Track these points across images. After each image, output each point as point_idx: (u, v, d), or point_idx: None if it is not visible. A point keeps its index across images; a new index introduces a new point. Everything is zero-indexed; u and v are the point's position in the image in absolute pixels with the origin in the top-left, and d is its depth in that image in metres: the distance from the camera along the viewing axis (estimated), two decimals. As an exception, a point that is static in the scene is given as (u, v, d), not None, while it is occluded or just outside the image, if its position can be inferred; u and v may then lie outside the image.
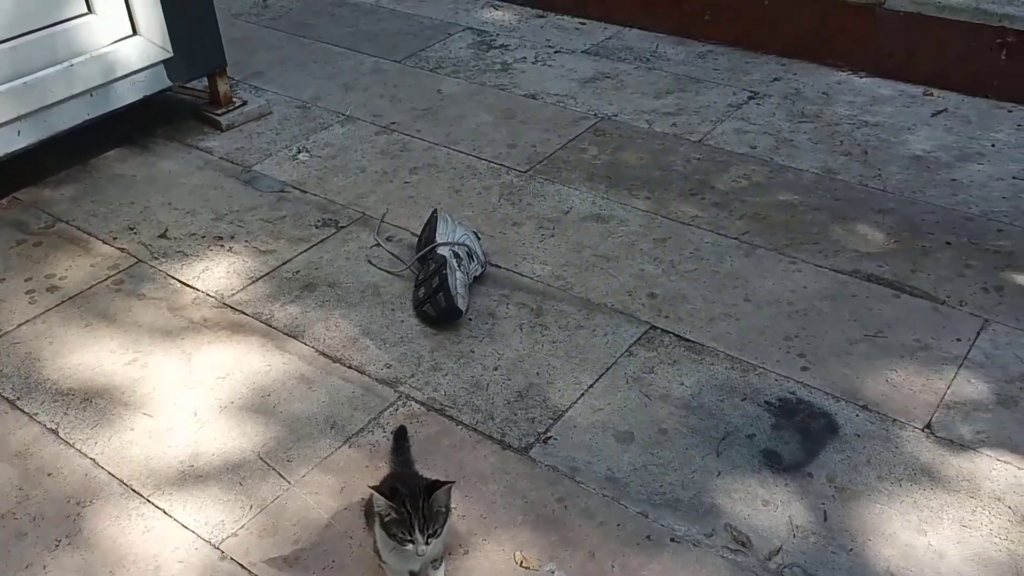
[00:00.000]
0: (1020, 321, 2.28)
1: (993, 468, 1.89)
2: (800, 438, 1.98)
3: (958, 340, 2.23)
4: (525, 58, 3.86)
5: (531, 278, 2.52)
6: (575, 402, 2.09)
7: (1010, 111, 3.26)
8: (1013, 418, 2.00)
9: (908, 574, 1.68)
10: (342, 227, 2.79)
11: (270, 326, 2.39)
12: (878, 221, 2.70)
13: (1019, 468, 1.88)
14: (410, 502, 1.42)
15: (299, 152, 3.23)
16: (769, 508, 1.83)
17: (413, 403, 2.11)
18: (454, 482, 1.51)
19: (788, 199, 2.82)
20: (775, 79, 3.58)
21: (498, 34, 4.11)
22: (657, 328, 2.32)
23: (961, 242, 2.59)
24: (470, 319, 2.37)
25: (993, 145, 3.05)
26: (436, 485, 1.47)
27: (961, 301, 2.36)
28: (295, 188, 3.01)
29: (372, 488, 1.45)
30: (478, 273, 2.48)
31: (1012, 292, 2.38)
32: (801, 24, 3.65)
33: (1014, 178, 2.86)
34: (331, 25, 4.29)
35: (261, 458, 1.98)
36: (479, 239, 2.58)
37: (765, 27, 3.75)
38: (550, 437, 2.00)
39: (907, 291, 2.41)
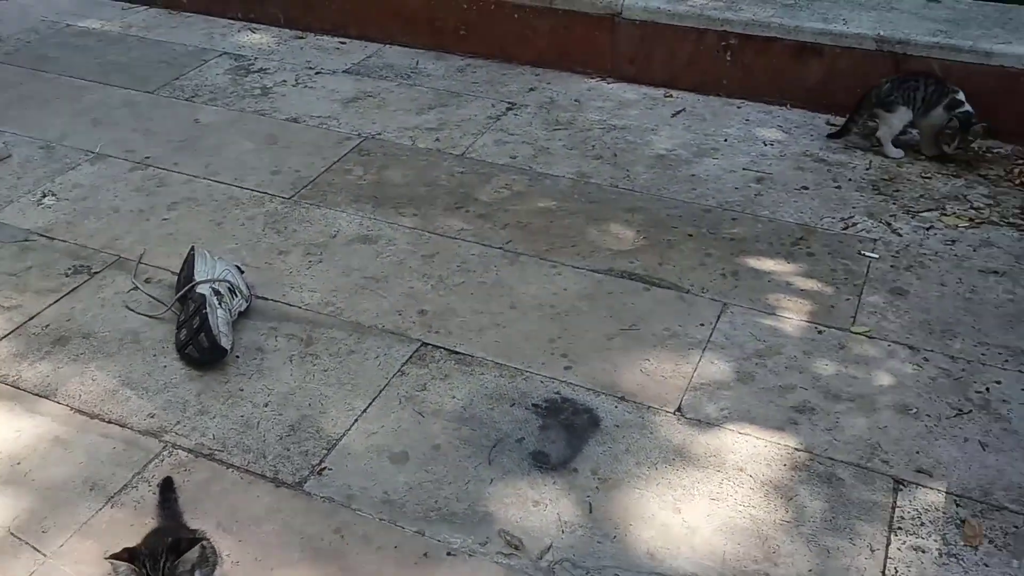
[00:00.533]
0: (753, 302, 2.51)
1: (736, 441, 2.07)
2: (566, 436, 2.09)
3: (702, 325, 2.43)
4: (285, 81, 3.81)
5: (300, 307, 2.50)
6: (349, 429, 2.10)
7: (739, 107, 3.57)
8: (750, 392, 2.20)
9: (666, 552, 1.82)
10: (96, 273, 2.65)
11: (17, 388, 2.23)
12: (628, 220, 2.88)
13: (758, 439, 2.07)
14: (150, 563, 1.38)
15: (44, 196, 3.03)
16: (539, 508, 1.91)
17: (180, 451, 2.05)
18: (203, 538, 1.48)
19: (547, 205, 2.96)
20: (531, 89, 3.73)
21: (256, 58, 4.03)
22: (428, 344, 2.36)
23: (701, 233, 2.81)
24: (237, 356, 2.32)
25: (725, 140, 3.33)
26: (180, 544, 1.44)
27: (703, 288, 2.56)
28: (41, 235, 2.82)
29: (108, 558, 1.40)
30: (243, 308, 2.43)
31: (745, 276, 2.61)
32: (549, 36, 3.83)
33: (744, 169, 3.14)
34: (75, 57, 4.05)
35: (12, 533, 1.85)
36: (242, 272, 2.53)
37: (517, 40, 3.90)
38: (325, 468, 1.99)
39: (656, 284, 2.59)
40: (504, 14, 3.86)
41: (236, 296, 2.42)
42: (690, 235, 2.80)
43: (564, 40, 3.82)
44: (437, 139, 3.35)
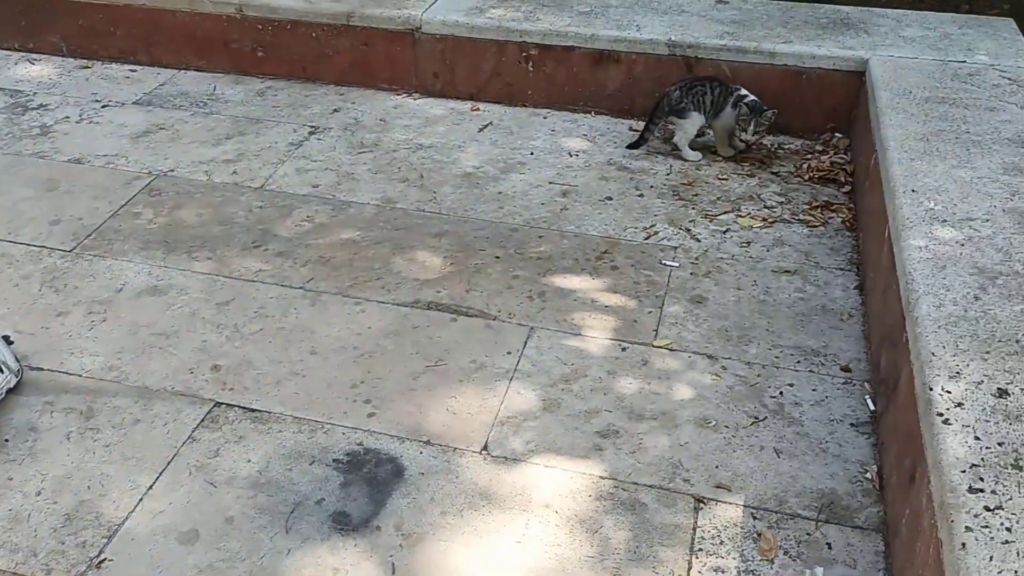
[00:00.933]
0: (560, 323, 2.50)
1: (542, 476, 2.05)
2: (368, 490, 2.01)
3: (509, 353, 2.40)
4: (68, 117, 3.54)
5: (80, 375, 2.31)
6: (133, 510, 1.95)
7: (545, 117, 3.58)
8: (556, 420, 2.19)
9: (471, 605, 1.78)
10: None
11: None
12: (435, 245, 2.82)
13: (563, 470, 2.06)
14: None
15: None
16: None
17: (-63, 561, 1.85)
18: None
19: (351, 236, 2.86)
20: (335, 110, 3.61)
21: (35, 93, 3.73)
22: (222, 404, 2.23)
23: (508, 254, 2.78)
24: (6, 440, 2.12)
25: (532, 153, 3.33)
26: None
27: (510, 313, 2.54)
28: None
29: None
30: (12, 385, 2.22)
31: (552, 296, 2.60)
32: (350, 54, 3.71)
33: (549, 183, 3.14)
34: None
35: None
36: (11, 343, 2.31)
37: (318, 59, 3.77)
38: (104, 560, 1.84)
39: (463, 313, 2.54)
40: (302, 34, 3.72)
41: (3, 372, 2.21)
42: (497, 257, 2.77)
43: (366, 58, 3.72)
44: (235, 172, 3.19)
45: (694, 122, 3.19)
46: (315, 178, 3.16)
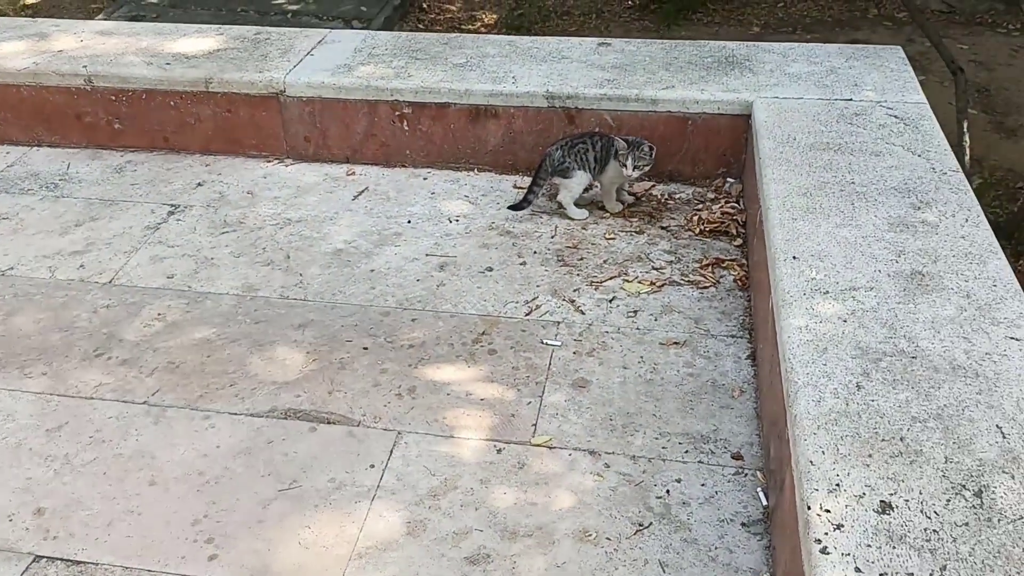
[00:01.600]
0: (430, 424, 2.29)
1: (401, 619, 1.83)
2: (202, 657, 1.77)
3: (372, 467, 2.17)
4: (-100, 211, 3.24)
5: None
6: None
7: (424, 178, 3.37)
8: (421, 547, 1.97)
9: None
10: None
11: None
12: (297, 339, 2.59)
13: (425, 609, 1.85)
14: None
15: None
16: None
17: None
18: None
19: (205, 335, 2.61)
20: (199, 184, 3.36)
21: None
22: (42, 558, 1.96)
23: (378, 344, 2.56)
24: None
25: (409, 221, 3.11)
26: None
27: (376, 416, 2.31)
28: None
29: None
30: None
31: (423, 391, 2.39)
32: (213, 121, 3.46)
33: (427, 255, 2.93)
34: None
35: None
36: None
37: (180, 128, 3.51)
38: None
39: (324, 419, 2.31)
40: (158, 103, 3.46)
41: None
42: (365, 348, 2.55)
43: (231, 124, 3.47)
44: (82, 265, 2.92)
45: (579, 181, 3.01)
46: (170, 267, 2.90)
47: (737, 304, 2.68)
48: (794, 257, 2.22)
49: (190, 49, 3.59)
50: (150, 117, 3.51)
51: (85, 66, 3.47)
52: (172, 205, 3.23)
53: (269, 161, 3.50)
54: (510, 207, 3.11)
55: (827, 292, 2.09)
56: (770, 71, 3.27)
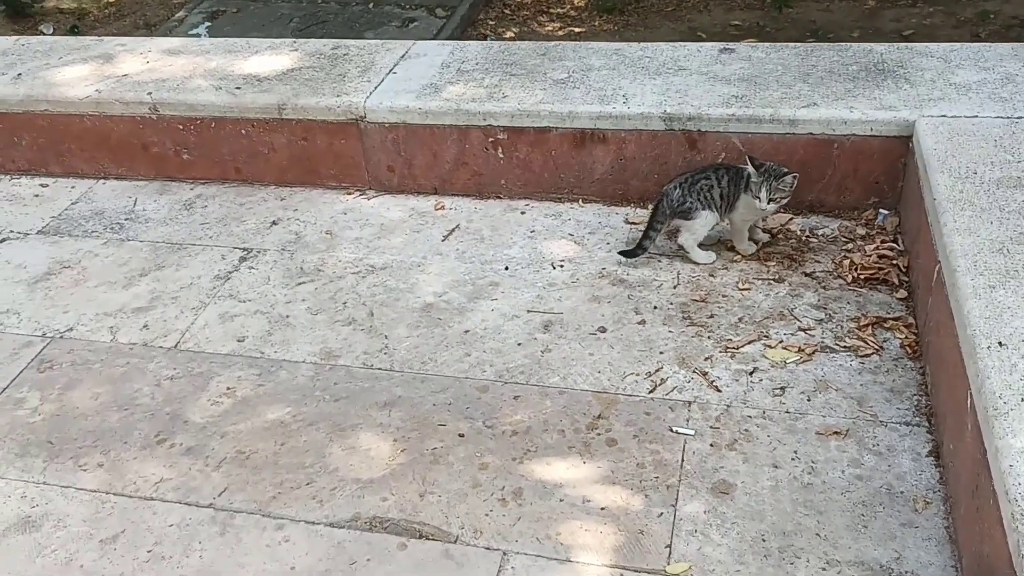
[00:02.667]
0: (541, 543, 1.90)
1: None
2: None
3: (474, 601, 1.81)
4: (-40, 258, 3.01)
5: None
6: None
7: (522, 212, 2.97)
8: None
9: None
10: None
11: None
12: (383, 422, 2.23)
13: None
14: None
15: None
16: None
17: None
18: None
19: (279, 416, 2.28)
20: (273, 222, 3.03)
21: (-72, 225, 3.20)
22: None
23: (475, 429, 2.18)
24: None
25: (507, 267, 2.72)
26: None
27: (476, 531, 1.94)
28: None
29: None
30: None
31: (531, 495, 2.00)
32: (288, 150, 3.13)
33: (528, 311, 2.53)
34: None
35: None
36: None
37: (253, 158, 3.19)
38: None
39: (415, 533, 1.94)
40: (229, 131, 3.14)
41: None
42: (461, 435, 2.17)
43: (307, 153, 3.13)
44: (145, 326, 2.62)
45: (704, 222, 2.57)
46: (242, 327, 2.58)
47: (908, 378, 2.21)
48: (1000, 344, 1.75)
49: (262, 69, 3.26)
50: (220, 147, 3.19)
51: (150, 93, 3.17)
52: (244, 249, 2.91)
53: (350, 194, 3.15)
54: (622, 253, 2.69)
55: (1055, 397, 1.62)
56: (931, 81, 2.75)
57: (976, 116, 2.54)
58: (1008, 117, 2.52)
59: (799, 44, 3.12)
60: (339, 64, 3.25)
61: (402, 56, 3.26)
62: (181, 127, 3.19)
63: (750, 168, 2.50)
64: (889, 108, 2.63)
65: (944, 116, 2.55)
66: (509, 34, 5.35)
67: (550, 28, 5.45)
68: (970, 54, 2.89)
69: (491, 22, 5.58)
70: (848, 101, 2.69)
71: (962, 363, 1.81)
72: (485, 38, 5.22)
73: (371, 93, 3.02)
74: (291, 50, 3.40)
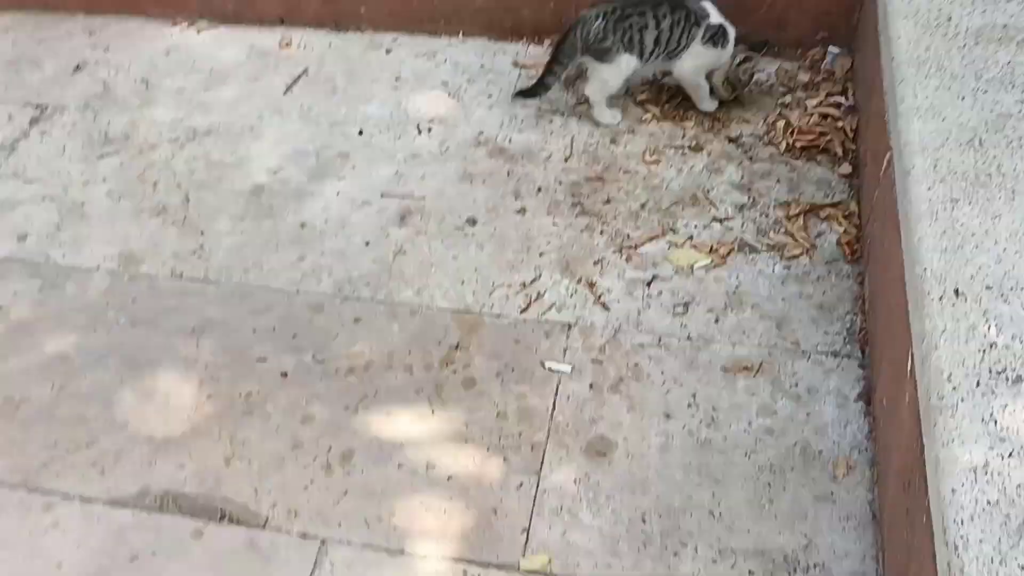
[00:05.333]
0: (370, 527, 1.50)
1: None
2: None
3: (282, 607, 1.45)
4: None
5: None
6: None
7: (388, 51, 2.36)
8: None
9: None
10: None
11: None
12: (189, 357, 1.77)
13: None
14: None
15: None
16: None
17: None
18: None
19: (61, 348, 1.80)
20: (77, 67, 2.41)
21: None
22: None
23: (304, 365, 1.73)
24: None
25: (361, 132, 2.17)
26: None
27: (291, 511, 1.53)
28: None
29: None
30: None
31: (364, 458, 1.58)
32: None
33: (383, 196, 2.01)
34: None
35: None
36: None
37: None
38: None
39: (215, 514, 1.53)
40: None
41: None
42: (284, 374, 1.73)
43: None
44: (-95, 218, 2.09)
45: (621, 69, 2.01)
46: (25, 220, 2.05)
47: (843, 289, 1.78)
48: (956, 293, 1.31)
49: None
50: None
51: None
52: (38, 107, 2.31)
53: (176, 24, 2.51)
54: (520, 93, 2.13)
55: (1024, 380, 1.20)
56: None
57: (958, -72, 1.94)
58: (999, -70, 1.93)
59: None
60: None
61: None
62: (-51, -62, 2.48)
63: (713, 13, 1.94)
64: (848, -85, 2.03)
65: (917, -72, 1.96)
66: None
67: None
68: None
69: None
70: (797, -96, 2.08)
71: (906, 310, 1.38)
72: None
73: None
74: None
